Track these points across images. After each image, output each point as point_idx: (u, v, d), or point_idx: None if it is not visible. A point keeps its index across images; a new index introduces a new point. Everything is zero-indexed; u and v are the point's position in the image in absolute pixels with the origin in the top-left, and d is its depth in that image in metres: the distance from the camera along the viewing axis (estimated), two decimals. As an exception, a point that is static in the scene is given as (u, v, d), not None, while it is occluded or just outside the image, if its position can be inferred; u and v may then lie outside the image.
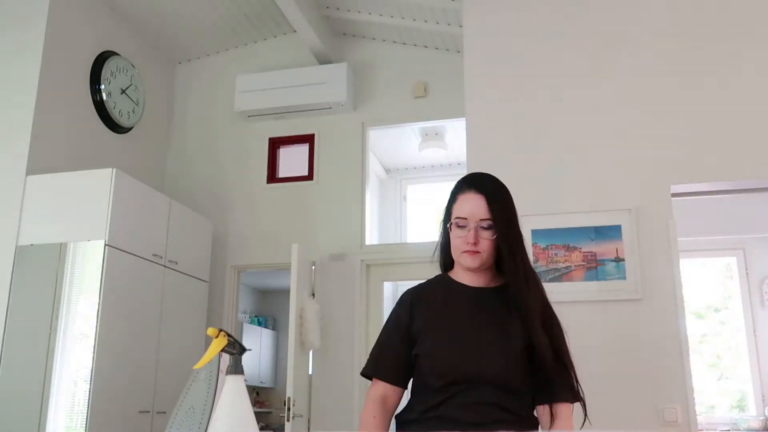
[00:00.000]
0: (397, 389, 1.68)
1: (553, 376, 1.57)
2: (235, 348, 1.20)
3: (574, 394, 1.61)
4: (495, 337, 1.58)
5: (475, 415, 1.53)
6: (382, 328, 1.76)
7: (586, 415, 1.61)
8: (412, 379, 1.69)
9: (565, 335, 1.64)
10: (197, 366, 1.26)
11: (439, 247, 1.75)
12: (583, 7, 3.63)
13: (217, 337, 1.19)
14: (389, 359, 1.68)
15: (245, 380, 1.19)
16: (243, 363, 1.20)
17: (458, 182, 1.70)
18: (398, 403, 1.70)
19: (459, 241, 1.63)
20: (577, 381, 1.61)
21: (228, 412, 1.11)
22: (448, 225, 1.67)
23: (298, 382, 4.18)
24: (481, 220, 1.60)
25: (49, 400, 3.50)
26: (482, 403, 1.53)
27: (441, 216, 1.75)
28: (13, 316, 3.67)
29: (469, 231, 1.60)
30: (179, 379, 4.24)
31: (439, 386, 1.57)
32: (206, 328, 4.61)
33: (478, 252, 1.61)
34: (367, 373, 1.71)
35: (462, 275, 1.70)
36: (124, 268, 3.82)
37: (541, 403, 1.61)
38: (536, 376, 1.57)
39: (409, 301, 1.71)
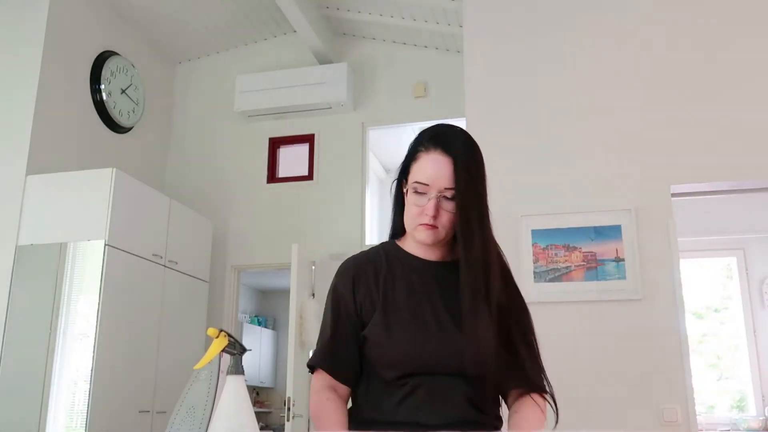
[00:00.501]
0: (347, 389, 1.41)
1: (520, 362, 1.33)
2: (236, 348, 1.19)
3: (543, 385, 1.36)
4: (454, 320, 1.32)
5: (440, 415, 1.29)
6: (325, 308, 1.47)
7: (557, 411, 1.34)
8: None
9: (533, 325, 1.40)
10: (198, 366, 1.26)
11: (394, 207, 1.45)
12: (583, 7, 3.63)
13: (217, 337, 1.18)
14: (346, 353, 1.39)
15: (245, 380, 1.19)
16: (243, 363, 1.20)
17: (423, 134, 1.39)
18: (348, 398, 1.43)
19: (415, 210, 1.34)
20: (544, 372, 1.37)
21: (228, 413, 1.11)
22: (404, 188, 1.39)
23: (298, 382, 4.18)
24: (446, 189, 1.31)
25: (49, 400, 3.50)
26: (447, 399, 1.30)
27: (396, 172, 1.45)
28: (13, 316, 3.67)
29: (429, 200, 1.32)
30: (179, 379, 4.25)
31: (392, 379, 1.32)
32: (206, 328, 4.62)
33: (435, 227, 1.33)
34: (316, 364, 1.42)
35: (413, 246, 1.42)
36: (124, 268, 3.82)
37: (507, 389, 1.37)
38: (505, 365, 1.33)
39: (351, 275, 1.42)
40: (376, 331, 1.35)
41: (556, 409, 1.34)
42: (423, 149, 1.35)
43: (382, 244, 1.50)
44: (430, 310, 1.35)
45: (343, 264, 1.47)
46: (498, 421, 1.38)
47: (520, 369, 1.33)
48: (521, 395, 1.36)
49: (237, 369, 1.16)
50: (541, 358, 1.38)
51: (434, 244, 1.38)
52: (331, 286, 1.46)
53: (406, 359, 1.31)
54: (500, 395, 1.40)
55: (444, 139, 1.35)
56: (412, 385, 1.31)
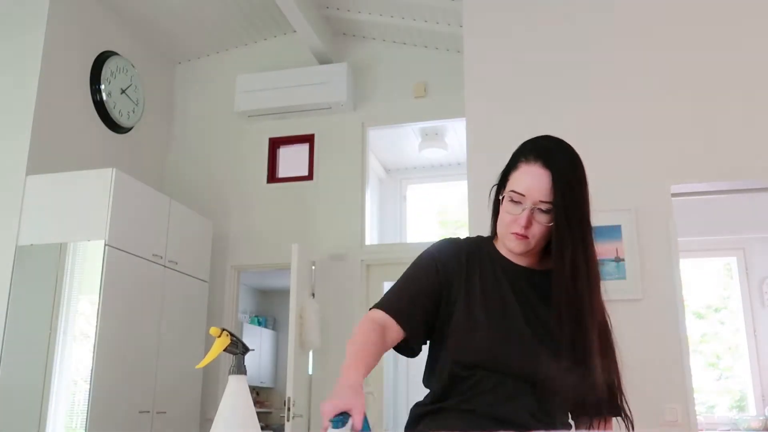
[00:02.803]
0: (401, 332, 1.37)
1: (600, 386, 1.34)
2: (238, 348, 1.19)
3: (617, 409, 1.41)
4: (534, 327, 1.34)
5: (500, 412, 1.30)
6: (413, 264, 1.46)
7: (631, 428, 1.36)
8: (429, 359, 1.43)
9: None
10: (200, 366, 1.26)
11: (492, 211, 1.46)
12: (583, 7, 3.63)
13: (219, 336, 1.18)
14: (416, 306, 1.38)
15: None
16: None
17: (525, 144, 1.42)
18: (397, 342, 1.39)
19: (509, 219, 1.36)
20: (623, 396, 1.42)
21: (230, 412, 1.11)
22: (500, 195, 1.41)
23: (298, 382, 4.18)
24: (541, 201, 1.33)
25: (49, 400, 3.50)
26: (510, 401, 1.31)
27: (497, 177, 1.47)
28: (13, 316, 3.67)
29: (523, 211, 1.34)
30: (179, 380, 4.25)
31: (463, 366, 1.33)
32: (206, 329, 4.62)
33: (527, 237, 1.35)
34: (378, 305, 1.40)
35: (505, 250, 1.44)
36: (124, 268, 3.82)
37: (580, 415, 1.40)
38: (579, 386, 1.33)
39: (448, 249, 1.44)
40: (458, 315, 1.37)
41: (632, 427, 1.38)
42: (524, 159, 1.37)
43: (479, 237, 1.51)
44: (511, 310, 1.37)
45: (442, 240, 1.49)
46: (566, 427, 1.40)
47: (596, 396, 1.34)
48: (593, 419, 1.40)
49: (239, 369, 1.16)
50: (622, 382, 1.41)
51: (523, 253, 1.40)
52: (424, 252, 1.47)
53: (481, 351, 1.32)
54: (576, 414, 1.42)
55: (546, 152, 1.37)
56: (480, 377, 1.32)
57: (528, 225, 1.34)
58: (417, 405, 1.44)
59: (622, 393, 1.41)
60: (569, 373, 1.29)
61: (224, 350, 1.18)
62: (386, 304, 1.39)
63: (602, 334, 1.38)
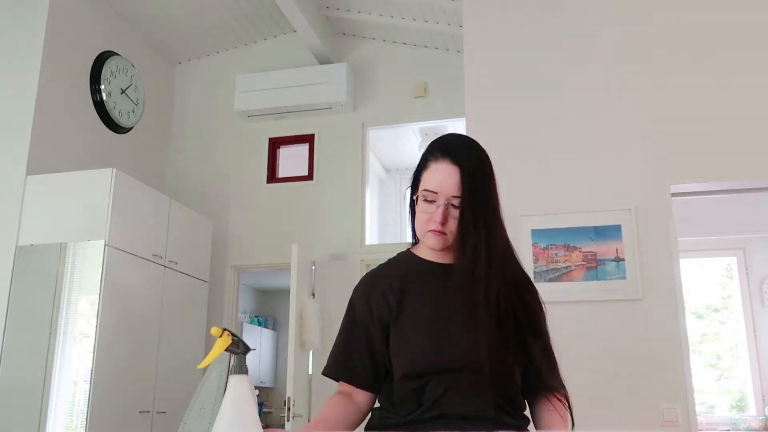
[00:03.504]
0: (367, 394, 1.46)
1: (537, 361, 1.39)
2: (240, 347, 1.19)
3: (560, 383, 1.43)
4: (470, 318, 1.36)
5: (464, 408, 1.33)
6: (342, 322, 1.52)
7: (570, 408, 1.41)
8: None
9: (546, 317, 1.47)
10: (201, 365, 1.26)
11: (410, 214, 1.50)
12: (584, 8, 3.63)
13: (221, 336, 1.18)
14: (357, 361, 1.45)
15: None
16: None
17: (432, 144, 1.45)
18: (368, 407, 1.48)
19: (424, 217, 1.40)
20: (558, 372, 1.44)
21: (232, 412, 1.11)
22: (414, 196, 1.45)
23: (298, 382, 4.18)
24: (453, 197, 1.37)
25: (49, 400, 3.50)
26: (468, 394, 1.34)
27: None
28: (13, 316, 3.67)
29: (438, 208, 1.37)
30: (179, 379, 4.25)
31: (414, 377, 1.36)
32: (206, 328, 4.63)
33: (444, 233, 1.38)
34: (330, 374, 1.49)
35: (427, 251, 1.48)
36: (124, 268, 3.82)
37: (528, 393, 1.44)
38: (520, 363, 1.39)
39: (365, 288, 1.49)
40: (394, 333, 1.41)
41: (570, 407, 1.40)
42: (432, 159, 1.41)
43: (398, 254, 1.56)
44: (443, 308, 1.39)
45: (360, 281, 1.54)
46: (524, 420, 1.43)
47: (536, 372, 1.40)
48: (539, 397, 1.44)
49: (241, 368, 1.15)
50: (556, 358, 1.43)
51: (443, 249, 1.43)
52: (348, 303, 1.52)
53: (422, 357, 1.36)
54: (524, 398, 1.45)
55: (452, 149, 1.41)
56: (435, 382, 1.35)
57: (444, 221, 1.37)
58: (382, 412, 1.45)
59: (554, 369, 1.44)
60: (499, 355, 1.33)
61: (225, 350, 1.18)
62: (333, 372, 1.48)
63: (533, 320, 1.43)
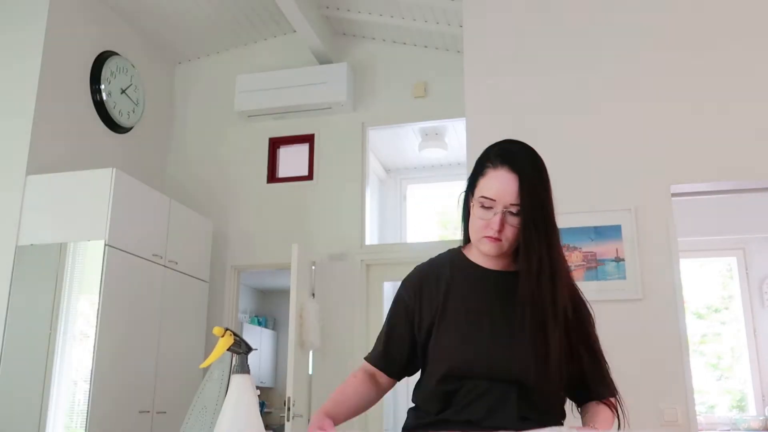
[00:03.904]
0: (392, 379, 1.56)
1: (586, 372, 1.42)
2: (242, 347, 1.19)
3: (610, 390, 1.45)
4: (510, 328, 1.38)
5: (488, 418, 1.34)
6: (388, 310, 1.56)
7: (621, 412, 1.44)
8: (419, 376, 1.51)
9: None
10: (203, 365, 1.26)
11: (460, 216, 1.52)
12: (584, 7, 3.63)
13: (223, 336, 1.18)
14: (395, 352, 1.51)
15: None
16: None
17: (490, 150, 1.45)
18: (389, 389, 1.58)
19: (481, 224, 1.40)
20: (610, 378, 1.46)
21: (234, 411, 1.11)
22: (470, 200, 1.45)
23: (298, 382, 4.17)
24: (511, 204, 1.37)
25: (49, 400, 3.50)
26: (496, 404, 1.35)
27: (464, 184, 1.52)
28: (13, 316, 3.67)
29: (495, 215, 1.38)
30: (179, 379, 4.25)
31: (446, 379, 1.39)
32: (206, 329, 4.63)
33: (500, 240, 1.39)
34: (375, 363, 1.54)
35: (477, 255, 1.49)
36: (124, 268, 3.82)
37: (579, 403, 1.46)
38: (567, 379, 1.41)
39: (415, 283, 1.51)
40: (438, 331, 1.43)
41: (619, 412, 1.43)
42: (490, 165, 1.41)
43: (449, 251, 1.56)
44: (487, 316, 1.41)
45: (410, 273, 1.56)
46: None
47: (587, 384, 1.43)
48: (589, 403, 1.46)
49: (243, 368, 1.16)
50: (607, 364, 1.46)
51: (497, 256, 1.45)
52: (397, 290, 1.56)
53: (457, 362, 1.38)
54: (574, 403, 1.48)
55: (510, 156, 1.42)
56: (466, 387, 1.37)
57: (501, 228, 1.38)
58: (417, 412, 1.48)
59: (605, 376, 1.47)
60: (537, 369, 1.35)
61: (228, 350, 1.18)
62: (371, 354, 1.56)
63: (585, 335, 1.45)
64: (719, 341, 5.29)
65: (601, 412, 1.42)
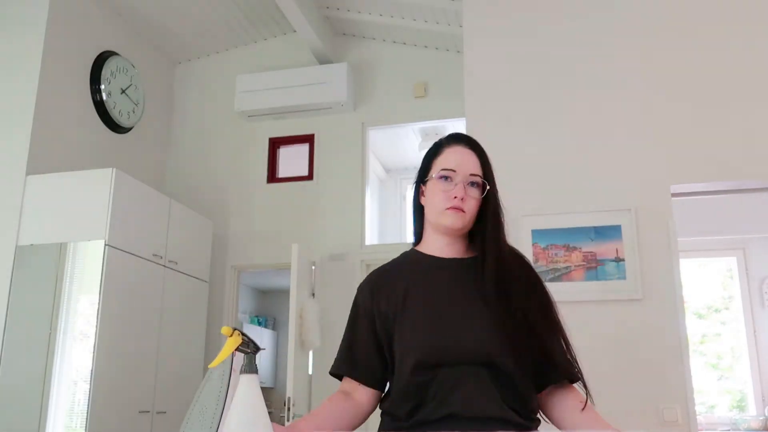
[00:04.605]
0: (370, 391, 1.45)
1: (551, 350, 1.36)
2: (250, 347, 1.19)
3: (576, 371, 1.40)
4: (479, 311, 1.35)
5: (469, 405, 1.29)
6: (347, 320, 1.51)
7: (588, 394, 1.38)
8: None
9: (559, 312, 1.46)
10: (212, 365, 1.26)
11: (414, 212, 1.51)
12: (584, 7, 3.63)
13: (231, 335, 1.18)
14: (360, 353, 1.44)
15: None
16: (245, 363, 1.19)
17: (441, 138, 1.50)
18: (370, 405, 1.47)
19: (442, 196, 1.40)
20: (575, 358, 1.41)
21: (241, 412, 1.11)
22: (422, 182, 1.46)
23: (298, 382, 4.18)
24: (471, 174, 1.40)
25: (49, 400, 3.50)
26: (473, 388, 1.30)
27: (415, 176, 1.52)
28: (13, 316, 3.67)
29: (456, 185, 1.39)
30: (179, 380, 4.25)
31: (417, 372, 1.33)
32: (206, 328, 4.63)
33: (463, 210, 1.39)
34: (334, 371, 1.49)
35: (432, 246, 1.47)
36: (124, 268, 3.82)
37: (545, 384, 1.39)
38: (532, 355, 1.35)
39: (370, 286, 1.47)
40: (400, 326, 1.39)
41: (587, 393, 1.38)
42: (446, 145, 1.47)
43: (402, 253, 1.55)
44: (449, 303, 1.39)
45: (364, 279, 1.53)
46: (535, 423, 1.38)
47: (550, 361, 1.36)
48: (554, 388, 1.40)
49: (251, 368, 1.15)
50: (572, 349, 1.42)
51: (457, 233, 1.44)
52: (353, 301, 1.52)
53: (425, 350, 1.33)
54: (537, 390, 1.41)
55: (464, 136, 1.49)
56: (441, 377, 1.32)
57: (464, 196, 1.39)
58: (390, 416, 1.40)
59: (568, 357, 1.41)
60: (507, 344, 1.32)
61: (236, 349, 1.18)
62: (337, 369, 1.49)
63: (545, 311, 1.42)
64: (719, 341, 5.29)
65: (569, 407, 1.37)
